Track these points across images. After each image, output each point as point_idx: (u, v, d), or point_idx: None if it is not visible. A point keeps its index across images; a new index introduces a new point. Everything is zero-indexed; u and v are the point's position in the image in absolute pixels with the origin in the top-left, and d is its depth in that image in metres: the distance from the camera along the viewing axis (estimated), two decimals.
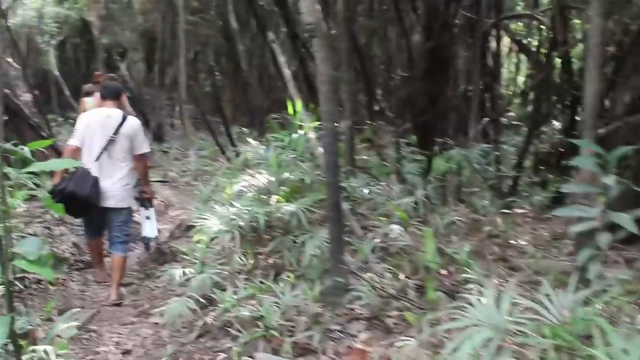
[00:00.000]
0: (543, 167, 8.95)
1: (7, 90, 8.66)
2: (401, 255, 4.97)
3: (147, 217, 6.73)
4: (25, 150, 7.44)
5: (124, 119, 6.11)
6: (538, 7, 12.38)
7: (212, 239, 5.47)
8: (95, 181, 5.96)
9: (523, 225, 6.80)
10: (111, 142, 6.02)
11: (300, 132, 6.25)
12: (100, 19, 19.88)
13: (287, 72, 8.41)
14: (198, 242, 5.58)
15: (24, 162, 8.73)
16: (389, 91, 13.78)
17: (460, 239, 5.55)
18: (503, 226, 6.30)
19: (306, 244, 4.96)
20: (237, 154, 9.52)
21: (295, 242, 5.19)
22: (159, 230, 7.09)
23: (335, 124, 4.66)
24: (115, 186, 6.07)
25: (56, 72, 20.60)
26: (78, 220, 7.98)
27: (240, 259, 5.29)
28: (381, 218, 5.46)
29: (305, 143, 6.21)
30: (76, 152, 6.08)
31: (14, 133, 8.83)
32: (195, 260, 5.42)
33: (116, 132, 6.02)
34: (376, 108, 10.18)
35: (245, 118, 19.22)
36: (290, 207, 5.25)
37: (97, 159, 6.00)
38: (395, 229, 5.12)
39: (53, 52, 21.16)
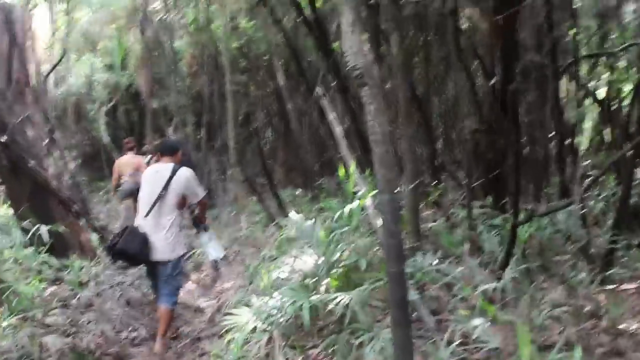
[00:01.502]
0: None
1: (31, 163, 7.87)
2: None
3: (209, 240, 7.06)
4: (42, 231, 6.61)
5: (173, 172, 6.36)
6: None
7: (246, 341, 4.42)
8: (144, 238, 6.25)
9: (629, 301, 5.58)
10: (160, 197, 6.31)
11: (355, 200, 5.22)
12: (148, 84, 19.42)
13: (338, 130, 7.47)
14: (230, 343, 4.56)
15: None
16: (451, 145, 12.72)
17: (560, 330, 4.37)
18: (607, 305, 5.10)
19: (365, 348, 3.88)
20: (281, 227, 8.60)
21: (351, 342, 4.13)
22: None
23: (394, 192, 3.65)
24: (161, 240, 6.32)
25: (105, 139, 20.11)
26: (108, 306, 7.24)
27: None
28: (461, 312, 4.29)
29: (361, 214, 5.17)
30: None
31: (40, 209, 8.03)
32: None
33: (165, 187, 6.31)
34: (438, 165, 9.09)
35: (299, 179, 18.33)
36: (343, 298, 4.18)
37: (147, 214, 6.32)
38: (479, 324, 3.96)
39: (103, 118, 20.73)
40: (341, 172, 5.63)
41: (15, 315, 5.93)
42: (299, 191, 15.92)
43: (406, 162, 5.57)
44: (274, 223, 10.78)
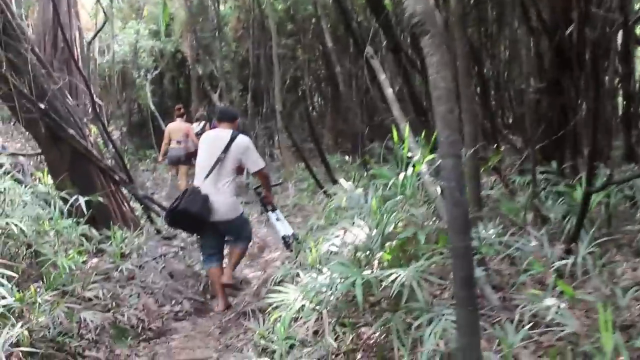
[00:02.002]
0: None
1: (71, 132, 7.58)
2: (563, 345, 3.38)
3: (277, 219, 7.26)
4: (81, 201, 6.31)
5: (232, 138, 6.57)
6: None
7: (294, 319, 4.03)
8: (205, 198, 6.45)
9: None
10: (219, 160, 6.51)
11: (409, 166, 4.75)
12: (193, 49, 19.08)
13: (389, 92, 7.00)
14: (276, 321, 4.18)
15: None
16: (506, 107, 12.09)
17: None
18: None
19: (424, 330, 3.45)
20: (330, 196, 8.18)
21: (408, 323, 3.71)
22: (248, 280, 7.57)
23: (459, 156, 3.18)
24: (221, 202, 6.53)
25: (152, 107, 19.89)
26: (150, 279, 6.97)
27: (332, 344, 3.84)
28: (533, 291, 3.79)
29: (417, 181, 4.70)
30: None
31: (80, 179, 7.75)
32: (273, 347, 4.03)
33: (225, 150, 6.51)
34: (495, 127, 8.50)
35: (348, 144, 17.88)
36: (399, 273, 3.74)
37: (207, 177, 6.52)
38: (551, 304, 3.47)
39: (149, 86, 20.49)
40: (395, 136, 5.15)
41: (54, 289, 5.66)
42: (347, 157, 15.46)
43: (465, 124, 5.07)
44: (322, 191, 10.36)
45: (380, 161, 6.29)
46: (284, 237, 7.24)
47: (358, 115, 11.33)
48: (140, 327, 6.20)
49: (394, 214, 4.18)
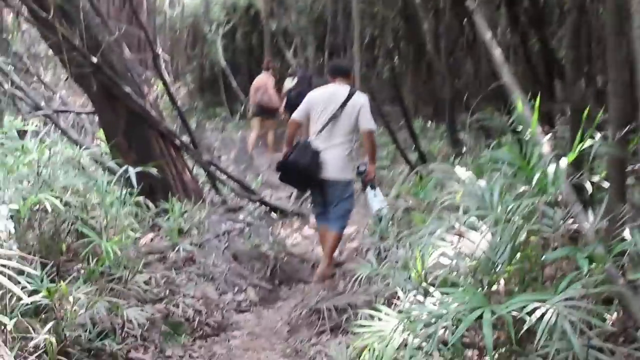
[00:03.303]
0: None
1: (127, 90, 6.67)
2: None
3: (375, 196, 6.48)
4: (131, 173, 5.38)
5: (350, 95, 6.23)
6: None
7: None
8: (316, 152, 6.21)
9: None
10: (334, 117, 6.20)
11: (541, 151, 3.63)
12: (267, 3, 17.95)
13: (497, 54, 5.84)
14: (361, 354, 3.17)
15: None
16: None
17: None
18: None
19: None
20: (421, 177, 7.12)
21: None
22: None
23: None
24: (334, 159, 6.24)
25: (223, 63, 18.96)
26: (211, 261, 6.09)
27: None
28: None
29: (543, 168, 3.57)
30: (297, 126, 6.60)
31: (137, 143, 6.89)
32: None
33: (341, 107, 6.18)
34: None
35: (429, 109, 16.63)
36: (540, 305, 2.67)
37: (320, 132, 6.25)
38: None
39: (220, 41, 19.55)
40: (518, 106, 4.02)
41: (95, 280, 4.81)
42: (429, 123, 14.27)
43: (612, 97, 3.90)
44: (410, 168, 9.29)
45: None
46: (378, 210, 6.41)
47: (446, 79, 10.10)
48: (196, 321, 5.32)
49: (523, 216, 3.08)
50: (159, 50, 13.45)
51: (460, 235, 3.26)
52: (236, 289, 6.06)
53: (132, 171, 5.34)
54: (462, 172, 3.53)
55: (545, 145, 3.99)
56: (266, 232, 7.46)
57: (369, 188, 6.51)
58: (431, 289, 3.14)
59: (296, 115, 6.48)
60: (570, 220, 3.46)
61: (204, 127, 13.33)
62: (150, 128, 6.98)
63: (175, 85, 17.82)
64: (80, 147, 8.31)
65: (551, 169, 3.09)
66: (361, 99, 6.27)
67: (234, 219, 7.49)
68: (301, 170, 6.24)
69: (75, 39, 6.27)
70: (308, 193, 8.37)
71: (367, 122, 6.23)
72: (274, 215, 8.45)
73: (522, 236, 3.09)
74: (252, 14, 20.65)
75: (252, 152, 13.17)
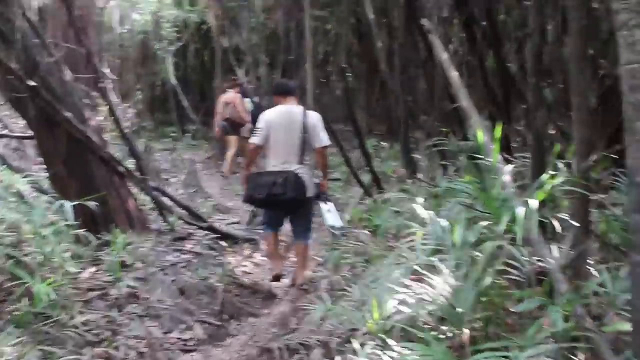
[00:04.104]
0: None
1: (67, 114, 6.30)
2: None
3: (328, 210, 6.67)
4: (67, 208, 5.03)
5: (305, 113, 6.33)
6: None
7: None
8: (304, 184, 6.25)
9: None
10: (304, 141, 6.25)
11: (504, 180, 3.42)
12: (219, 20, 17.60)
13: (454, 75, 5.65)
14: None
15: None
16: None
17: None
18: None
19: None
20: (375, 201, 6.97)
21: None
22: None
23: None
24: (307, 179, 6.30)
25: (174, 81, 18.57)
26: (156, 296, 5.75)
27: None
28: None
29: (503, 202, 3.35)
30: (258, 151, 6.56)
31: (78, 171, 6.52)
32: None
33: (304, 129, 6.24)
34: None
35: (383, 127, 16.48)
36: None
37: (300, 161, 6.26)
38: None
39: (171, 59, 19.16)
40: (479, 136, 3.80)
41: (32, 320, 4.45)
42: (384, 142, 14.07)
43: (578, 126, 3.68)
44: (360, 186, 9.07)
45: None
46: (332, 226, 6.68)
47: (400, 98, 9.90)
48: None
49: (495, 261, 2.85)
50: (106, 70, 13.10)
51: (420, 280, 3.01)
52: (182, 326, 5.69)
53: (67, 206, 4.98)
54: (421, 209, 3.27)
55: (506, 175, 3.78)
56: (215, 262, 7.13)
57: (322, 202, 6.68)
58: (390, 341, 2.87)
59: (257, 140, 6.40)
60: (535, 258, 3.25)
61: (152, 148, 12.87)
62: (92, 155, 6.61)
63: (124, 105, 17.35)
64: (20, 174, 7.97)
65: (520, 210, 2.84)
66: (315, 117, 6.40)
67: (182, 249, 7.15)
68: (298, 202, 6.34)
69: (10, 61, 5.89)
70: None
71: (322, 140, 6.33)
72: (223, 243, 8.11)
73: (487, 280, 2.85)
74: (204, 31, 20.31)
75: (228, 173, 13.50)
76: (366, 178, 9.68)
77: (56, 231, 5.40)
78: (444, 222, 3.14)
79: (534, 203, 2.90)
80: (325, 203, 6.71)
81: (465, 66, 9.27)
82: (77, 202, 5.55)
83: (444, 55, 5.98)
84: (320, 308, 4.20)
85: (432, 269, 3.06)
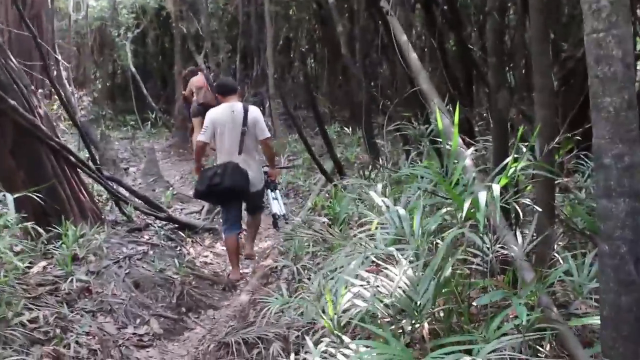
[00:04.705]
0: None
1: (11, 102, 6.01)
2: None
3: (274, 198, 7.27)
4: (9, 200, 4.77)
5: (246, 110, 6.70)
6: None
7: None
8: (246, 174, 6.61)
9: None
10: (243, 133, 6.63)
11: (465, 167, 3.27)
12: (177, 5, 17.21)
13: (414, 58, 5.52)
14: None
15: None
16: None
17: None
18: None
19: None
20: (337, 188, 6.87)
21: None
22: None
23: None
24: (254, 172, 6.74)
25: (132, 68, 18.15)
26: (110, 290, 5.53)
27: None
28: None
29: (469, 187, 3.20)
30: (205, 147, 6.92)
31: (27, 161, 6.24)
32: None
33: (244, 124, 6.63)
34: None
35: (345, 113, 16.30)
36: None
37: (240, 152, 6.62)
38: None
39: (129, 46, 18.73)
40: (437, 118, 3.64)
41: None
42: (346, 128, 13.89)
43: (539, 107, 3.55)
44: (322, 173, 8.91)
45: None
46: (274, 215, 7.23)
47: (362, 83, 9.73)
48: None
49: (455, 251, 2.69)
50: (59, 57, 12.71)
51: (377, 271, 2.84)
52: (137, 321, 5.48)
53: (9, 198, 4.72)
54: (377, 197, 3.10)
55: (468, 159, 3.65)
56: (173, 253, 6.92)
57: (269, 190, 7.22)
58: (345, 338, 2.70)
59: (204, 137, 6.69)
60: (498, 246, 3.10)
61: (109, 137, 12.50)
62: (41, 144, 6.33)
63: (80, 93, 16.92)
64: None
65: (481, 196, 2.69)
66: (255, 112, 6.82)
67: (138, 241, 6.90)
68: (238, 192, 6.64)
69: None
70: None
71: (264, 132, 6.78)
72: (182, 233, 7.89)
73: (448, 270, 2.70)
74: (163, 17, 19.92)
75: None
76: (329, 165, 9.51)
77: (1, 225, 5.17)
78: (401, 210, 2.97)
79: (496, 188, 2.74)
80: (272, 191, 7.25)
81: (428, 50, 9.12)
82: (23, 194, 5.27)
83: (403, 38, 5.85)
84: (278, 301, 4.02)
85: (392, 259, 2.89)
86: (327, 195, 8.27)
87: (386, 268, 2.80)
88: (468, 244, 2.91)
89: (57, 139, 6.53)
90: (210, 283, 6.70)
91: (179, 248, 7.36)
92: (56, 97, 11.61)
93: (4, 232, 5.16)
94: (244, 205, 7.06)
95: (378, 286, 2.74)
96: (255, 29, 16.00)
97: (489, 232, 2.99)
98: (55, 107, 13.41)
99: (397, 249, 2.86)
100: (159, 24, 20.30)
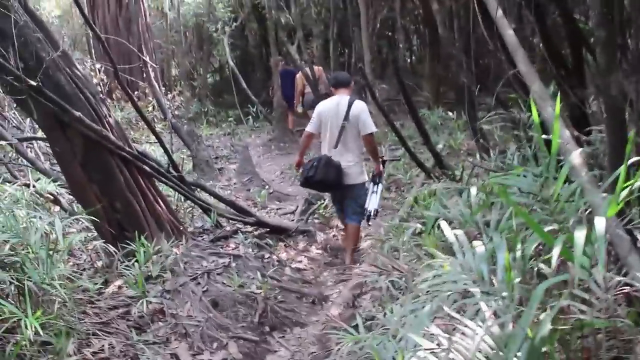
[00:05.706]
0: None
1: (76, 113, 5.64)
2: None
3: (374, 192, 7.03)
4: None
5: (350, 104, 6.73)
6: None
7: None
8: (338, 167, 6.77)
9: None
10: (343, 127, 6.74)
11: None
12: None
13: (510, 34, 4.75)
14: None
15: None
16: None
17: None
18: None
19: None
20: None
21: None
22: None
23: None
24: (351, 167, 6.84)
25: (231, 63, 17.88)
26: (185, 311, 5.11)
27: None
28: None
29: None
30: (311, 138, 7.20)
31: (98, 174, 5.89)
32: None
33: (346, 117, 6.71)
34: None
35: (451, 95, 15.37)
36: None
37: (335, 146, 6.80)
38: None
39: (227, 40, 18.48)
40: (533, 111, 2.92)
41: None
42: (451, 113, 13.04)
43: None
44: (420, 167, 8.25)
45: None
46: (367, 210, 6.93)
47: (463, 63, 8.91)
48: None
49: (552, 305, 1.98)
50: (146, 58, 12.51)
51: (451, 327, 2.17)
52: (214, 345, 4.98)
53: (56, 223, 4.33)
54: (449, 232, 2.42)
55: (576, 159, 2.91)
56: (258, 264, 6.41)
57: (372, 183, 7.05)
58: None
59: (311, 128, 7.02)
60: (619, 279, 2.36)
61: (201, 137, 12.12)
62: (111, 156, 5.95)
63: (173, 92, 16.86)
64: (49, 178, 7.45)
65: (579, 238, 1.96)
66: (360, 107, 6.74)
67: (220, 253, 6.43)
68: (328, 185, 6.84)
69: (8, 59, 5.27)
70: (314, 207, 8.82)
71: (367, 127, 6.72)
72: (274, 237, 7.41)
73: (547, 327, 1.99)
74: (262, 8, 19.57)
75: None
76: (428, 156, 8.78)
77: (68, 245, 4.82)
78: (479, 248, 2.28)
79: (600, 224, 2.00)
80: (376, 184, 7.05)
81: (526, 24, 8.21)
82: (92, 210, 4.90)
83: (498, 12, 5.08)
84: (352, 337, 3.41)
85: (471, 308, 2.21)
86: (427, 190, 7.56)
87: (460, 323, 2.12)
88: (576, 285, 2.18)
89: (129, 149, 6.14)
90: (299, 296, 6.16)
91: (267, 256, 6.85)
92: (150, 98, 11.45)
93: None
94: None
95: (453, 347, 2.06)
96: (351, 13, 15.32)
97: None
98: (150, 108, 13.33)
99: (480, 294, 2.17)
100: (256, 17, 19.96)
